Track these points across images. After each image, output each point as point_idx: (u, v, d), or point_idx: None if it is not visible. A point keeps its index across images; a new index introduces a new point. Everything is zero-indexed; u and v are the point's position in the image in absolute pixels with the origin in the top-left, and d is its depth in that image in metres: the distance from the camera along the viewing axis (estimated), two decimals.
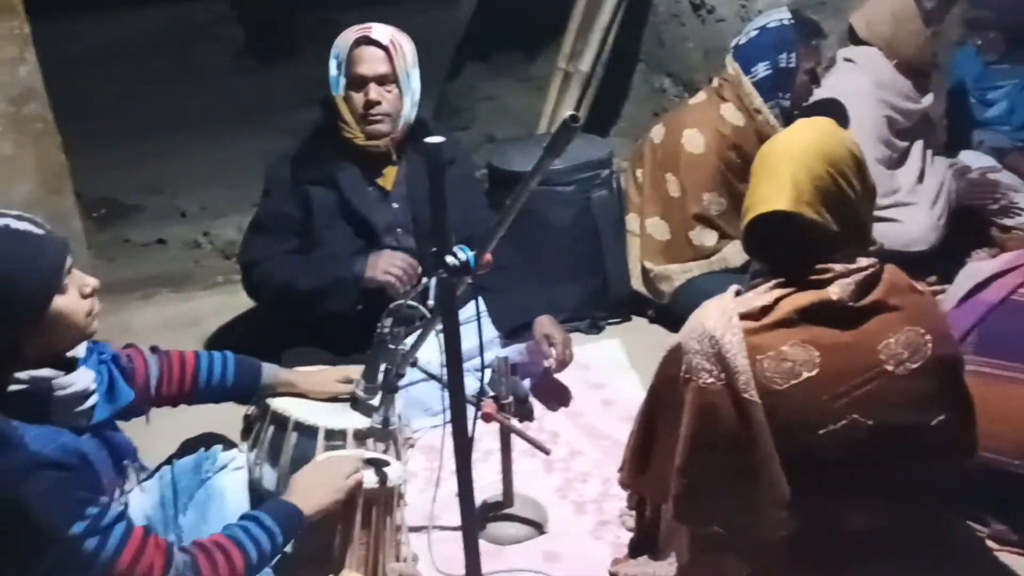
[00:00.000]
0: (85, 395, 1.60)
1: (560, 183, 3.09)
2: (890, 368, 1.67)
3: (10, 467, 1.44)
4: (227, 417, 2.25)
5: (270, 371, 2.10)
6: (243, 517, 1.71)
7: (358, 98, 2.60)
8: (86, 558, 1.48)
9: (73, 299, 1.57)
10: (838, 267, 1.70)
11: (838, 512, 1.72)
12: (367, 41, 2.60)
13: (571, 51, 4.25)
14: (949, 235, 3.11)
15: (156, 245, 4.14)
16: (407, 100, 2.65)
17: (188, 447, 2.04)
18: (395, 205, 2.73)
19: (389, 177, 2.72)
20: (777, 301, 1.71)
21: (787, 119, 2.95)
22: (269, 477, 1.97)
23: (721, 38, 3.51)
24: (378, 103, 2.60)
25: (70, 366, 1.59)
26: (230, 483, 1.99)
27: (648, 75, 4.41)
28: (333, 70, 2.63)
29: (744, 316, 1.71)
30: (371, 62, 2.59)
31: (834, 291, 1.69)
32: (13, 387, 1.50)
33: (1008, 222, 3.21)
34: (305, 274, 2.61)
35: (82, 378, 1.59)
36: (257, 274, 2.70)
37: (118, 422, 1.77)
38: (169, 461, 2.02)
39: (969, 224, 3.20)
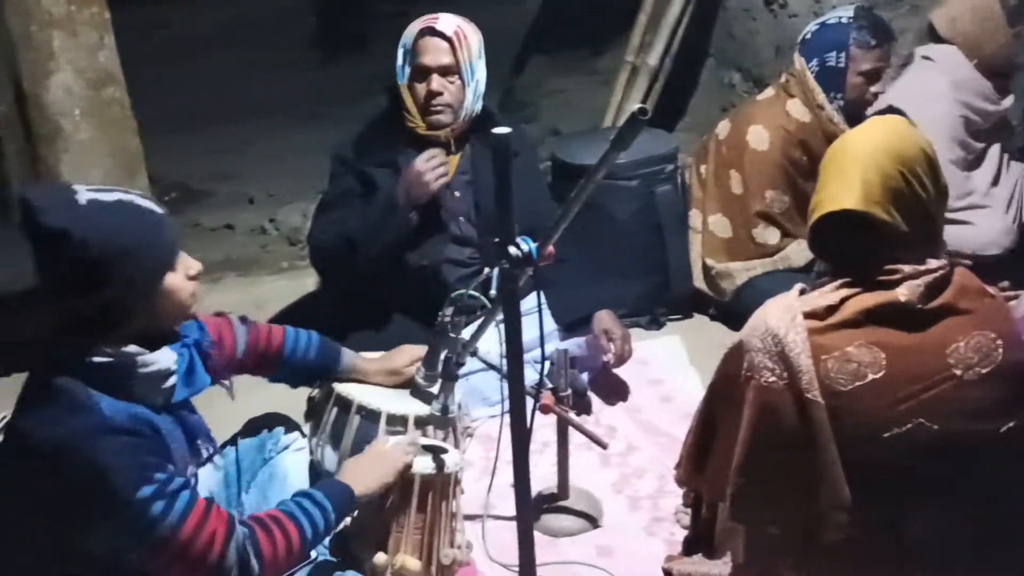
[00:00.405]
0: (166, 375, 1.64)
1: (624, 177, 3.08)
2: (959, 373, 1.63)
3: (83, 429, 1.49)
4: (291, 399, 2.30)
5: (348, 356, 2.14)
6: (297, 494, 1.74)
7: (420, 88, 2.62)
8: (152, 521, 1.52)
9: (181, 278, 1.63)
10: (907, 268, 1.67)
11: (901, 518, 1.69)
12: (432, 32, 2.62)
13: (639, 44, 4.22)
14: (1023, 240, 3.03)
15: (224, 230, 4.23)
16: (470, 92, 2.66)
17: (252, 427, 2.09)
18: (456, 194, 2.75)
19: (451, 166, 2.74)
20: (843, 301, 1.68)
21: (848, 118, 2.90)
22: (330, 459, 2.01)
23: (792, 33, 3.44)
24: (439, 94, 2.61)
25: (155, 345, 1.63)
26: (292, 464, 2.03)
27: (717, 70, 4.35)
28: (399, 59, 2.65)
29: (808, 315, 1.68)
30: (435, 53, 2.60)
31: (902, 292, 1.66)
32: (99, 359, 1.55)
33: None
34: (353, 220, 2.63)
35: (166, 358, 1.64)
36: (314, 241, 2.75)
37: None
38: (233, 440, 2.08)
39: None
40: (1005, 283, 2.83)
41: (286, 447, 2.05)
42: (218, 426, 2.05)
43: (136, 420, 1.53)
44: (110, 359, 1.56)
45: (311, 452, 2.05)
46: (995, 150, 3.10)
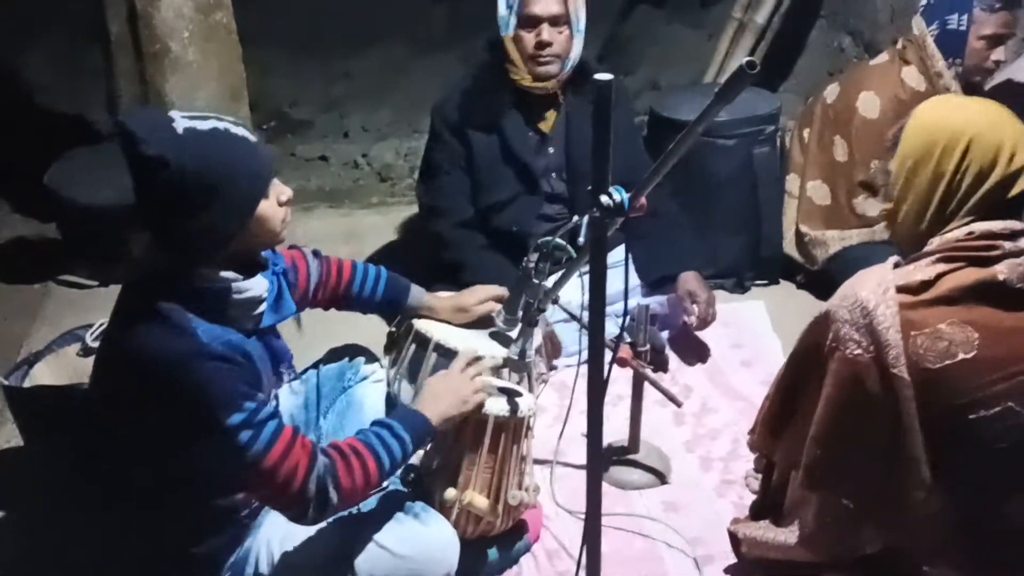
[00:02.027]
0: (259, 301, 1.69)
1: (723, 135, 3.01)
2: None
3: (181, 352, 1.54)
4: (372, 331, 2.35)
5: (417, 293, 2.16)
6: (376, 423, 1.78)
7: (529, 38, 2.59)
8: (239, 448, 1.57)
9: (273, 205, 1.66)
10: (1008, 244, 1.60)
11: (996, 504, 1.65)
12: None
13: (748, 1, 4.10)
14: None
15: (319, 161, 4.29)
16: (577, 41, 2.62)
17: (333, 355, 2.14)
18: (551, 150, 2.73)
19: (550, 121, 2.72)
20: (939, 277, 1.63)
21: (966, 87, 2.78)
22: (406, 393, 2.04)
23: None
24: (550, 44, 2.58)
25: (249, 271, 1.68)
26: (369, 394, 2.08)
27: (828, 32, 4.21)
28: (503, 10, 2.61)
29: (901, 289, 1.63)
30: (545, 2, 2.56)
31: (1001, 270, 1.59)
32: (197, 284, 1.60)
33: None
34: (469, 268, 2.63)
35: (259, 285, 1.68)
36: (439, 228, 2.75)
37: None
38: (315, 367, 2.13)
39: None
40: None
41: (365, 377, 2.09)
42: (302, 350, 2.11)
43: (230, 347, 1.58)
44: (209, 284, 1.60)
45: (388, 384, 2.09)
46: None
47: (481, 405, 1.87)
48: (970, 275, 1.61)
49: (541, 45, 2.58)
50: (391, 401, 2.07)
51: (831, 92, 3.05)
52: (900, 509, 1.66)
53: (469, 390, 1.85)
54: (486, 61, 2.74)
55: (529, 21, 2.58)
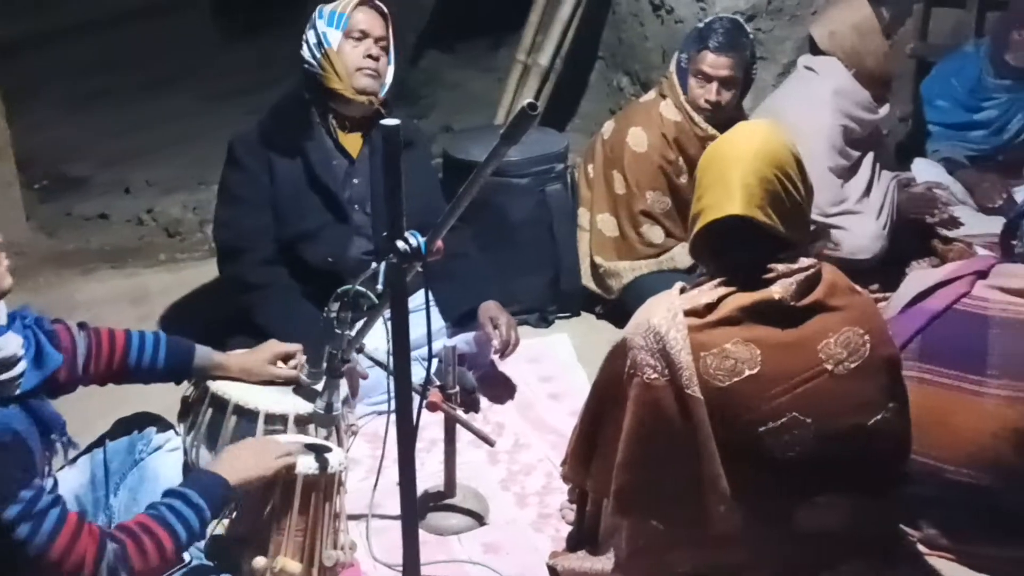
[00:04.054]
0: (13, 361, 1.54)
1: (516, 175, 3.09)
2: (829, 367, 1.70)
3: None
4: (164, 398, 2.21)
5: (204, 353, 2.05)
6: (168, 493, 1.66)
7: (355, 52, 2.62)
8: (18, 544, 1.44)
9: None
10: (780, 267, 1.72)
11: (789, 512, 1.74)
12: (371, 5, 2.67)
13: (531, 44, 4.23)
14: (892, 245, 3.17)
15: (99, 220, 4.05)
16: (391, 69, 2.69)
17: (122, 426, 1.99)
18: (356, 180, 2.71)
19: (357, 145, 2.70)
20: (721, 299, 1.73)
21: (714, 120, 2.99)
22: (205, 460, 1.94)
23: (679, 39, 3.52)
24: (376, 59, 2.63)
25: None
26: (164, 465, 1.95)
27: (607, 72, 4.41)
28: (323, 27, 2.61)
29: (689, 312, 1.72)
30: (375, 22, 2.65)
31: (776, 290, 1.71)
32: None
33: (949, 233, 3.28)
34: (271, 317, 2.53)
35: (9, 343, 1.54)
36: (236, 272, 2.65)
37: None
38: (102, 441, 1.97)
39: (912, 235, 3.26)
40: (875, 286, 2.98)
41: (158, 447, 1.96)
42: (85, 424, 1.96)
43: None
44: None
45: (185, 453, 1.97)
46: (869, 159, 3.24)
47: (291, 468, 1.79)
48: (749, 296, 1.71)
49: (368, 57, 2.62)
50: (190, 470, 1.95)
51: (607, 129, 3.21)
52: (706, 526, 1.72)
53: (271, 452, 1.77)
54: (291, 91, 2.73)
55: (357, 35, 2.63)
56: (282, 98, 2.76)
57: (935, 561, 2.09)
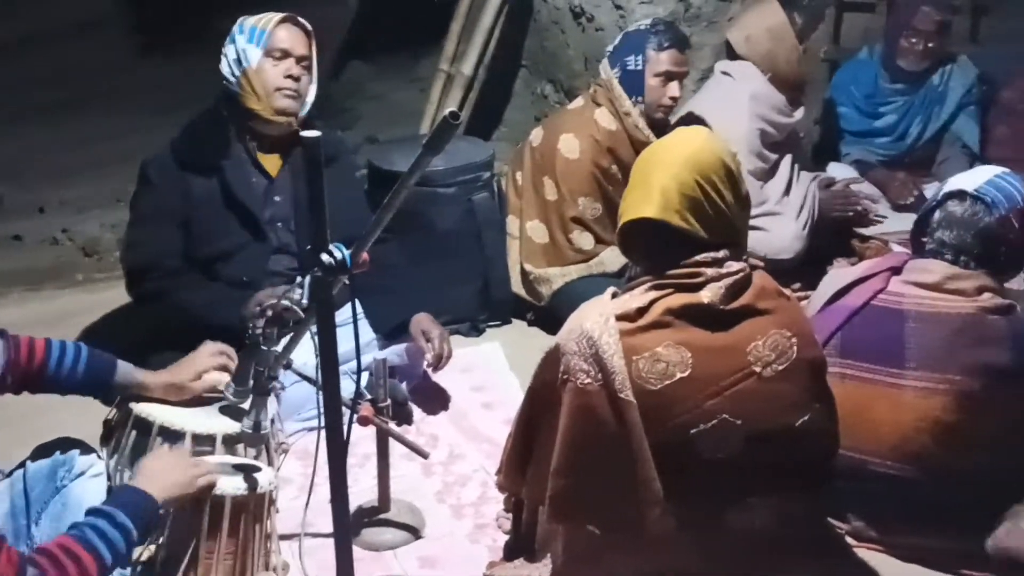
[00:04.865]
0: None
1: (442, 184, 3.08)
2: (758, 370, 1.73)
3: None
4: (85, 422, 2.14)
5: (125, 369, 1.99)
6: (92, 512, 1.61)
7: (276, 71, 2.57)
8: None
9: None
10: (710, 271, 1.74)
11: (720, 512, 1.76)
12: (293, 21, 2.62)
13: (454, 53, 4.23)
14: (812, 245, 3.24)
15: (11, 241, 3.92)
16: (312, 90, 2.65)
17: (42, 452, 1.92)
18: (277, 198, 2.66)
19: (276, 165, 2.66)
20: (652, 303, 1.74)
21: (651, 124, 3.02)
22: None
23: (600, 46, 3.56)
24: (298, 79, 2.59)
25: None
26: (88, 490, 1.88)
27: (530, 81, 4.44)
28: (243, 43, 2.57)
29: (620, 317, 1.73)
30: (297, 40, 2.60)
31: (705, 294, 1.73)
32: None
33: (866, 232, 3.37)
34: (195, 309, 2.50)
35: None
36: (147, 286, 2.59)
37: None
38: (22, 466, 1.90)
39: (831, 235, 3.34)
40: (797, 285, 3.04)
41: (81, 473, 1.89)
42: (3, 451, 1.88)
43: None
44: None
45: (109, 478, 1.91)
46: (787, 161, 3.31)
47: (211, 487, 1.75)
48: (679, 300, 1.73)
49: (289, 77, 2.57)
50: None
51: (536, 136, 3.21)
52: (641, 530, 1.74)
53: (189, 469, 1.72)
54: (208, 109, 2.67)
55: (278, 54, 2.58)
56: (199, 115, 2.70)
57: (863, 553, 2.13)
